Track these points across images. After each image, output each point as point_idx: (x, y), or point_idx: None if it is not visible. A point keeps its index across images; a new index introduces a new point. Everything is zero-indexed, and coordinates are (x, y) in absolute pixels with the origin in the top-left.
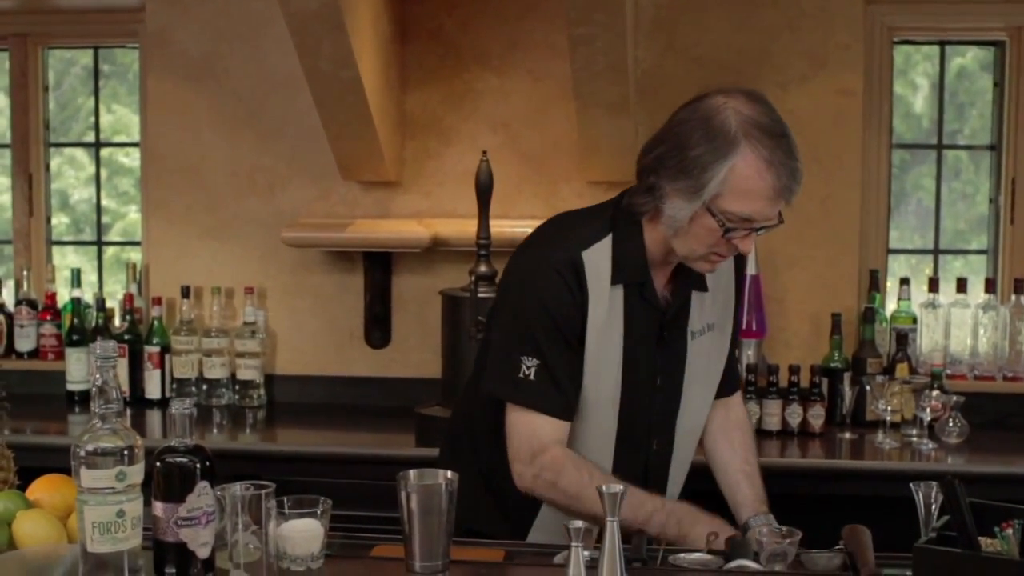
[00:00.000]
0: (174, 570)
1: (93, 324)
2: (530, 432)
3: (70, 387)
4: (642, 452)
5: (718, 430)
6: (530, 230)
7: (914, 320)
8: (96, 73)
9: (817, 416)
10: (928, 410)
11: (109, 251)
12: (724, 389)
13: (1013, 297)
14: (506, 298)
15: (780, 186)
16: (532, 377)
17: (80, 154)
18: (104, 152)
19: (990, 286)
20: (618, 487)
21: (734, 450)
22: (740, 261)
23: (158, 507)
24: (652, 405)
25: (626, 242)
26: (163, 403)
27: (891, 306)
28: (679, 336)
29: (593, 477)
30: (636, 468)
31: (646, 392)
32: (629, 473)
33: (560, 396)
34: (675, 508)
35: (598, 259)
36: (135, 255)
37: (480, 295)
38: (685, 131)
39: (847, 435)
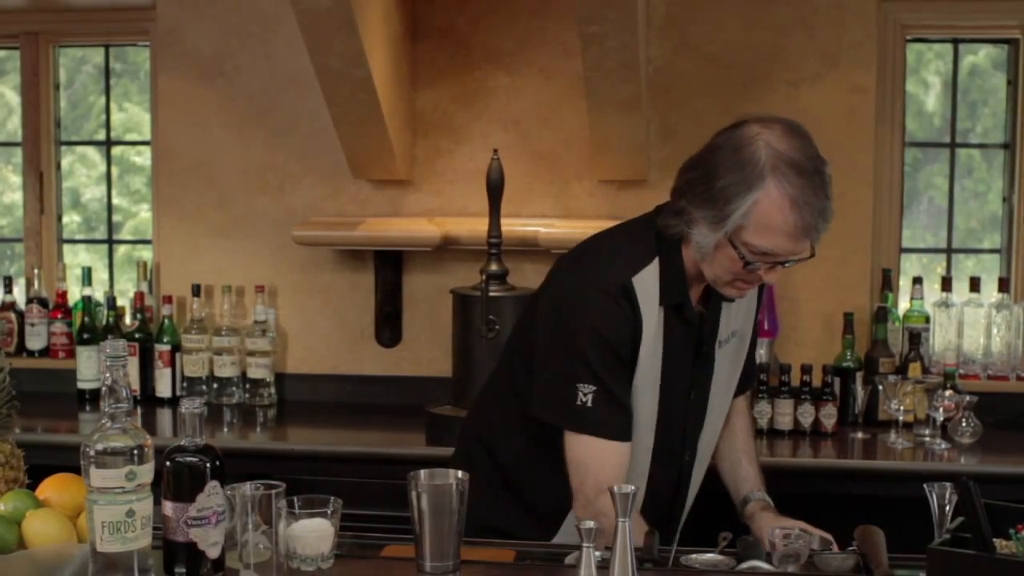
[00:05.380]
0: (184, 570)
1: (104, 322)
2: (598, 463)
3: (81, 385)
4: (675, 465)
5: None
6: (541, 228)
7: (927, 319)
8: (107, 71)
9: (829, 416)
10: (941, 410)
11: (120, 249)
12: (739, 388)
13: None
14: (552, 322)
15: (803, 225)
16: (590, 404)
17: (91, 152)
18: (115, 150)
19: (1003, 285)
20: (630, 487)
21: (735, 433)
22: None
23: (168, 506)
24: (686, 419)
25: (670, 265)
26: (174, 402)
27: (904, 305)
28: (710, 348)
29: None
30: (670, 481)
31: (681, 407)
32: (664, 486)
33: (620, 419)
34: None
35: (647, 283)
36: (146, 253)
37: (491, 294)
38: (716, 159)
39: (859, 435)
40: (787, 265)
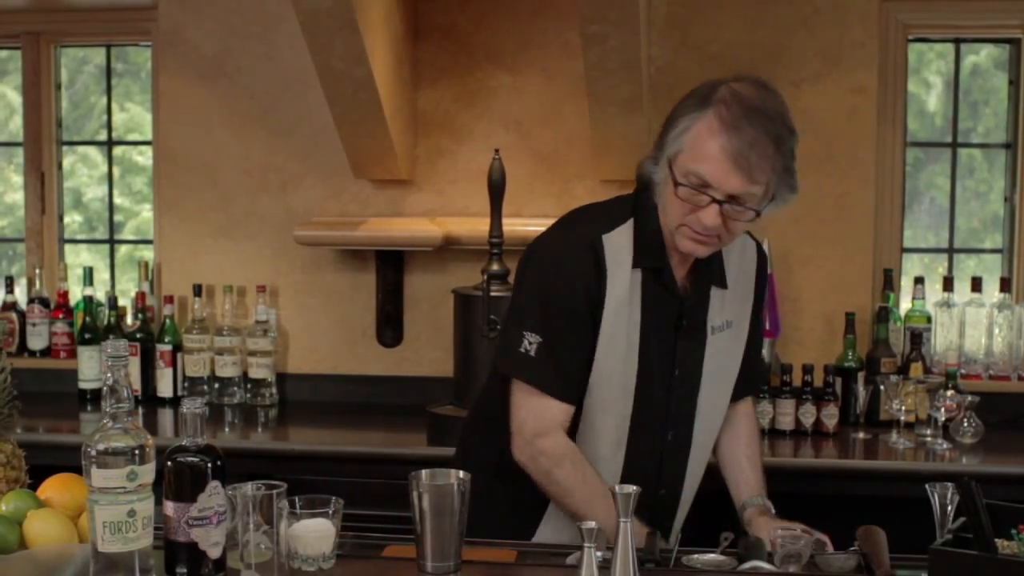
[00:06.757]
0: (185, 570)
1: (105, 322)
2: (538, 411)
3: (82, 385)
4: (657, 442)
5: (724, 418)
6: (543, 228)
7: (928, 319)
8: (109, 71)
9: (831, 416)
10: (942, 410)
11: (121, 249)
12: (741, 390)
13: None
14: (522, 274)
15: (732, 149)
16: (532, 354)
17: (93, 152)
18: (117, 151)
19: (1005, 285)
20: (631, 487)
21: (738, 436)
22: (763, 262)
23: (169, 507)
24: (669, 395)
25: (646, 227)
26: (175, 402)
27: (905, 305)
28: (698, 329)
29: (587, 480)
30: (651, 457)
31: (663, 381)
32: (642, 461)
33: (558, 377)
34: None
35: (619, 242)
36: (147, 253)
37: (493, 294)
38: (682, 102)
39: (861, 435)
40: (725, 207)
